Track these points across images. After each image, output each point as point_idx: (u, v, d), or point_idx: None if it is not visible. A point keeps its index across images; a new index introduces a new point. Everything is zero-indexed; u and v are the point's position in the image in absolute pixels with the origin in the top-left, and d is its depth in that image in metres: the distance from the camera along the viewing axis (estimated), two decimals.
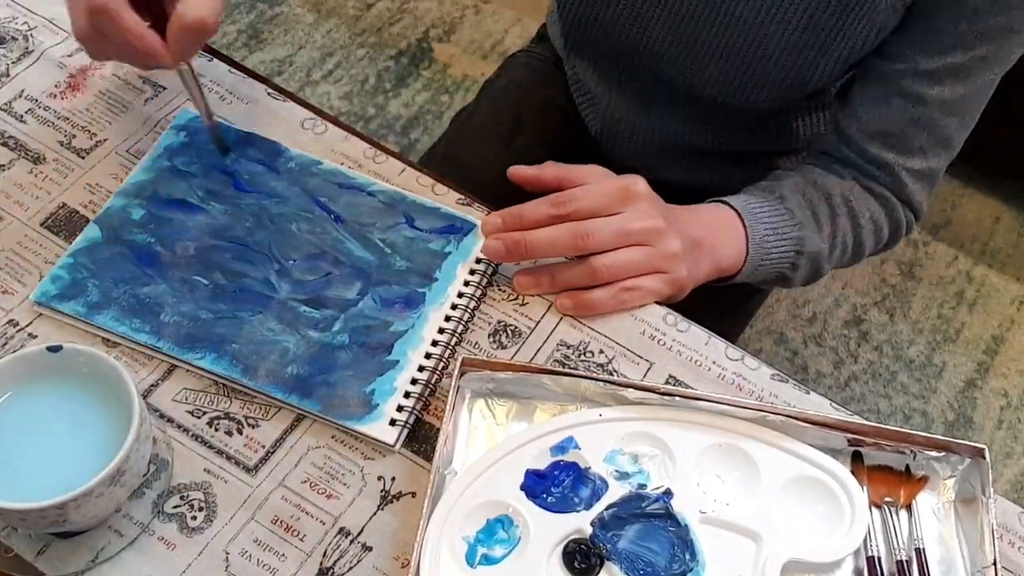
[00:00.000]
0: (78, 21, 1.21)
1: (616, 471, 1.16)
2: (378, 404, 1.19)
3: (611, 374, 1.26)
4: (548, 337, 1.29)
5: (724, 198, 1.46)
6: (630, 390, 1.20)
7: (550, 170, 1.35)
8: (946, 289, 3.12)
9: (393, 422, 1.18)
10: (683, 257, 1.33)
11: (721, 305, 1.66)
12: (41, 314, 1.24)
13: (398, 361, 1.23)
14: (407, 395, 1.21)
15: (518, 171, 1.35)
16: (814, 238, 1.46)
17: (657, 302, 1.34)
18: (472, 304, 1.29)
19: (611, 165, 1.37)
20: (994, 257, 3.19)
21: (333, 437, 1.19)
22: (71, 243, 1.29)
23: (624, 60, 1.61)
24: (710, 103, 1.58)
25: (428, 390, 1.22)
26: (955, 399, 2.93)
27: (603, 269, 1.28)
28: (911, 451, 1.20)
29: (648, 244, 1.30)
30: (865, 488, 1.17)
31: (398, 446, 1.18)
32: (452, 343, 1.26)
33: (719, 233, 1.42)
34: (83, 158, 1.37)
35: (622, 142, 1.77)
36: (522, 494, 1.13)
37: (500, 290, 1.32)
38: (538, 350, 1.28)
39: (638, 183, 1.32)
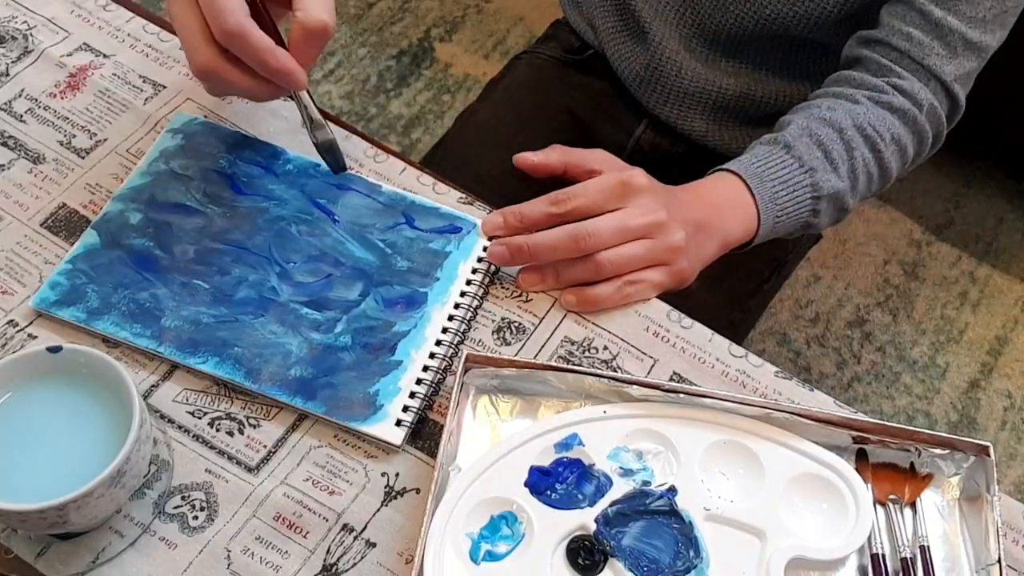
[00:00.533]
0: (200, 53, 1.19)
1: (620, 468, 1.16)
2: (382, 405, 1.19)
3: (615, 371, 1.26)
4: (552, 333, 1.29)
5: (727, 164, 1.45)
6: (634, 387, 1.20)
7: (555, 155, 1.36)
8: (949, 289, 3.11)
9: (399, 422, 1.18)
10: (685, 249, 1.32)
11: (727, 304, 1.66)
12: (41, 314, 1.24)
13: (401, 362, 1.23)
14: (412, 395, 1.20)
15: (523, 158, 1.36)
16: (830, 179, 1.45)
17: (661, 296, 1.33)
18: (475, 303, 1.28)
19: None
20: (998, 257, 3.18)
21: (335, 436, 1.19)
22: (71, 244, 1.29)
23: None
24: (768, 30, 1.60)
25: (433, 390, 1.22)
26: (958, 400, 2.92)
27: (606, 264, 1.28)
28: (916, 449, 1.19)
29: (650, 237, 1.30)
30: (869, 485, 1.17)
31: (402, 446, 1.18)
32: (456, 342, 1.25)
33: (724, 208, 1.41)
34: (83, 158, 1.37)
35: (665, 84, 1.76)
36: (526, 491, 1.13)
37: (503, 287, 1.32)
38: (542, 346, 1.28)
39: (636, 177, 1.32)
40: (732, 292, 1.72)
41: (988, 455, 1.17)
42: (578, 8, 1.88)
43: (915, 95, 1.48)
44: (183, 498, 1.14)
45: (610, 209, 1.29)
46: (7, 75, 1.43)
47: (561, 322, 1.29)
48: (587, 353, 1.27)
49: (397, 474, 1.17)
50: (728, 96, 1.72)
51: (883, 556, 1.14)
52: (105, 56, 1.46)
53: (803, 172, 1.43)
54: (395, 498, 1.15)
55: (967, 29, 1.46)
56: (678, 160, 1.81)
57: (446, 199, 1.38)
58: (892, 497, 1.18)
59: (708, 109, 1.75)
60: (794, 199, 1.43)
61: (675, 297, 1.34)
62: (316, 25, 1.18)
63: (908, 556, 1.14)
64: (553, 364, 1.21)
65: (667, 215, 1.30)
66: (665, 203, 1.32)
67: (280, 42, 1.20)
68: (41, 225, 1.31)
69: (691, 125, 1.76)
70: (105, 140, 1.39)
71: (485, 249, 1.32)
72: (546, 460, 1.16)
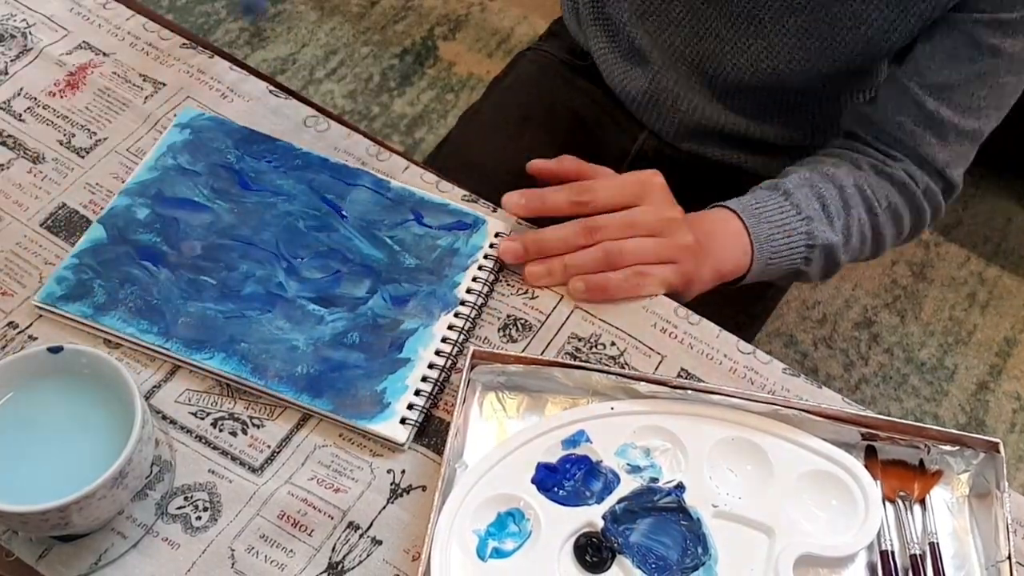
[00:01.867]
0: None
1: (628, 465, 1.15)
2: (390, 402, 1.19)
3: (623, 367, 1.26)
4: (559, 330, 1.28)
5: (726, 202, 1.46)
6: (642, 383, 1.19)
7: (568, 163, 1.37)
8: (958, 290, 3.10)
9: (404, 420, 1.18)
10: (695, 250, 1.34)
11: (732, 307, 1.65)
12: (41, 315, 1.23)
13: (409, 359, 1.22)
14: (418, 393, 1.20)
15: (537, 164, 1.37)
16: (825, 231, 1.46)
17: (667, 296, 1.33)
18: (481, 301, 1.28)
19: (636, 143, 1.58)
20: (1007, 258, 3.16)
21: (340, 435, 1.18)
22: (71, 244, 1.28)
23: (693, 25, 1.60)
24: (765, 82, 1.59)
25: (438, 388, 1.21)
26: (967, 402, 2.91)
27: (614, 250, 1.29)
28: (925, 445, 1.19)
29: (660, 235, 1.31)
30: (879, 482, 1.16)
31: (407, 444, 1.17)
32: (461, 340, 1.25)
33: (720, 238, 1.43)
34: (83, 157, 1.36)
35: (663, 111, 1.75)
36: (533, 487, 1.13)
37: (509, 284, 1.31)
38: (548, 343, 1.27)
39: (655, 176, 1.34)
40: (738, 296, 1.71)
41: (998, 451, 1.17)
42: (576, 19, 1.87)
43: (912, 175, 1.52)
44: (186, 498, 1.13)
45: (626, 206, 1.31)
46: (6, 74, 1.43)
47: (568, 318, 1.29)
48: (594, 349, 1.27)
49: (403, 471, 1.16)
50: (727, 131, 1.71)
51: (892, 553, 1.13)
52: (105, 54, 1.46)
53: (800, 219, 1.45)
54: (401, 496, 1.15)
55: (960, 119, 1.47)
56: (682, 166, 1.79)
57: (450, 197, 1.37)
58: (901, 494, 1.17)
59: (707, 135, 1.74)
60: (788, 244, 1.45)
61: (687, 302, 1.35)
62: None
63: (918, 553, 1.13)
64: (560, 360, 1.21)
65: (679, 214, 1.32)
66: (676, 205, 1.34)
67: None
68: (41, 225, 1.30)
69: (691, 146, 1.75)
70: (105, 139, 1.38)
71: (492, 246, 1.32)
72: (553, 457, 1.15)
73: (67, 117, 1.39)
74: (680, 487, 1.14)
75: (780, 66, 1.55)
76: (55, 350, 1.07)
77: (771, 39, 1.52)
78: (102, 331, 1.22)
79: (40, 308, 1.23)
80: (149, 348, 1.21)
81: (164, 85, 1.44)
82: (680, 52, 1.64)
